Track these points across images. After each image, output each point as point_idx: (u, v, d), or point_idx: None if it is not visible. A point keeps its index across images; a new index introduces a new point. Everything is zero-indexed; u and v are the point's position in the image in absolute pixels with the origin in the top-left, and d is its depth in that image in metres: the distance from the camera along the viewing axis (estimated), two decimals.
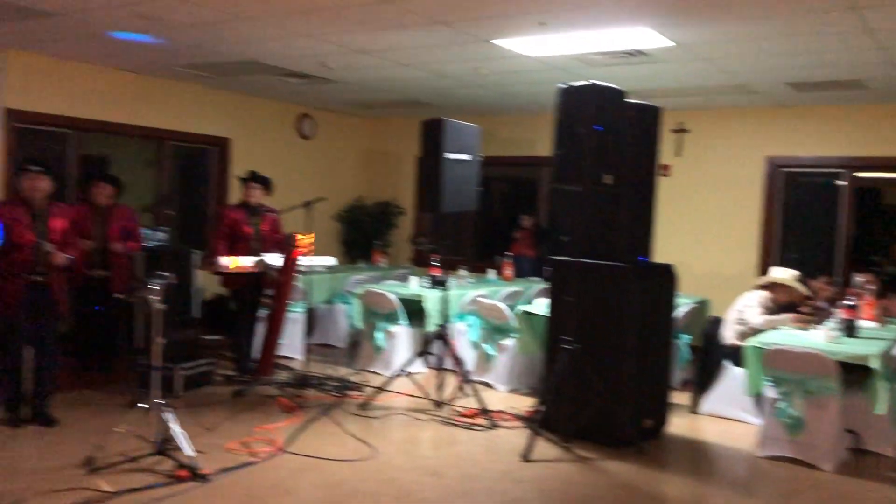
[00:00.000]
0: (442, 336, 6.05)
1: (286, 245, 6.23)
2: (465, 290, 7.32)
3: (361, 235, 10.78)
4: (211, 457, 4.67)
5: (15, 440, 4.89)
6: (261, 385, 6.37)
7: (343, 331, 8.35)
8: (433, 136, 5.73)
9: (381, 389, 6.15)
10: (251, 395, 6.19)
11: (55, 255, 4.96)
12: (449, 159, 5.66)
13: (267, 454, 4.85)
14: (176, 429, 4.56)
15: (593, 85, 5.07)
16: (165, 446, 4.53)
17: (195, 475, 4.35)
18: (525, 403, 6.20)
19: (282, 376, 6.72)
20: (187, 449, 4.49)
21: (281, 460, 4.78)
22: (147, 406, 4.69)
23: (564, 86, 5.15)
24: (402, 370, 6.32)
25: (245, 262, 6.41)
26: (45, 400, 5.21)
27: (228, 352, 7.17)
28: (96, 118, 8.03)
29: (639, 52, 6.02)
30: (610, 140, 5.04)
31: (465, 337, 7.13)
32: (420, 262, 10.21)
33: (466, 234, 10.54)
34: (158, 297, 4.58)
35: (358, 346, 7.65)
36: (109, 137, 8.63)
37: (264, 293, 6.76)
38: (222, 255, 6.52)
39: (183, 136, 8.95)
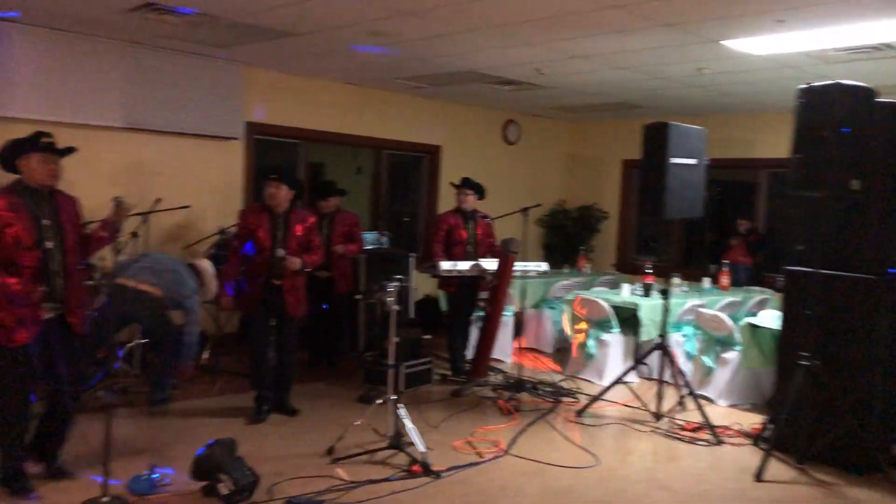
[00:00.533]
0: (662, 347, 5.89)
1: (506, 250, 6.32)
2: (682, 300, 7.08)
3: (563, 240, 10.75)
4: (439, 454, 4.84)
5: (260, 429, 5.30)
6: (476, 386, 6.52)
7: (550, 336, 8.36)
8: (656, 139, 5.59)
9: (597, 398, 6.09)
10: (468, 396, 6.36)
11: (289, 260, 5.28)
12: (674, 164, 5.50)
13: (492, 455, 4.96)
14: (409, 425, 4.77)
15: (838, 84, 4.72)
16: (399, 441, 4.75)
17: (428, 471, 4.52)
18: (749, 420, 5.90)
19: (495, 378, 6.85)
20: (420, 445, 4.69)
21: (505, 462, 4.87)
22: (382, 401, 4.95)
23: (805, 86, 4.84)
24: (620, 379, 6.21)
25: (462, 265, 6.59)
26: (286, 392, 5.62)
27: (441, 352, 7.39)
28: (322, 129, 8.60)
29: (887, 46, 5.54)
30: (858, 143, 4.68)
31: (681, 348, 6.91)
32: (626, 269, 10.03)
33: (675, 239, 10.20)
34: (393, 299, 4.81)
35: (565, 352, 7.63)
36: (327, 146, 9.21)
37: (479, 296, 6.92)
38: (440, 258, 6.74)
39: (398, 144, 9.38)
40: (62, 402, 4.03)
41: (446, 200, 9.47)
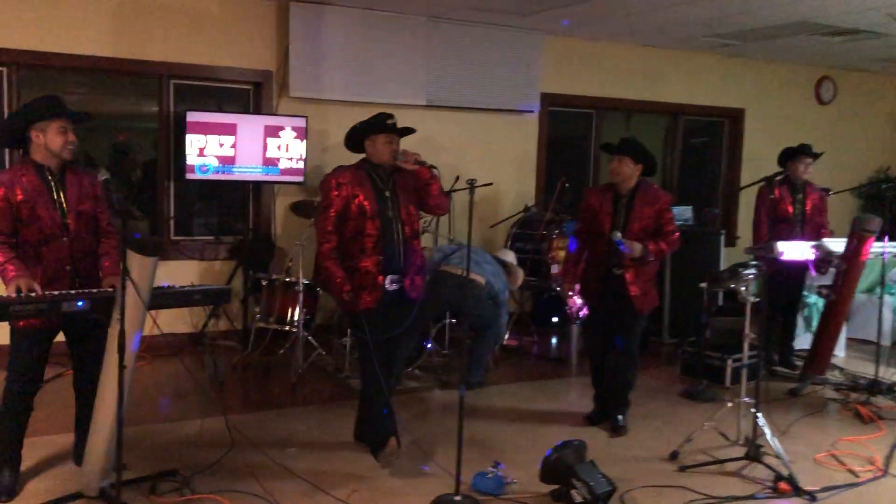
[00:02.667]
0: None
1: (860, 229, 5.38)
2: None
3: (887, 213, 9.26)
4: (800, 468, 4.15)
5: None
6: (813, 383, 5.69)
7: (888, 326, 7.17)
8: None
9: None
10: (803, 395, 5.56)
11: (627, 244, 4.58)
12: None
13: (869, 475, 4.18)
14: (768, 433, 4.13)
15: None
16: (757, 452, 4.13)
17: (798, 490, 3.87)
18: None
19: (833, 376, 5.95)
20: (786, 460, 4.04)
21: (888, 484, 4.08)
22: (732, 404, 4.36)
23: None
24: None
25: (800, 247, 5.73)
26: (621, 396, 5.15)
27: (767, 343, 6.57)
28: (615, 96, 8.04)
29: None
30: None
31: None
32: None
33: None
34: (752, 290, 4.18)
35: None
36: (613, 115, 8.61)
37: (804, 281, 6.04)
38: (764, 238, 5.94)
39: (697, 109, 8.57)
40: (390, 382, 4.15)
41: (750, 170, 8.55)
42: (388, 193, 3.99)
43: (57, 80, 6.08)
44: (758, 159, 8.26)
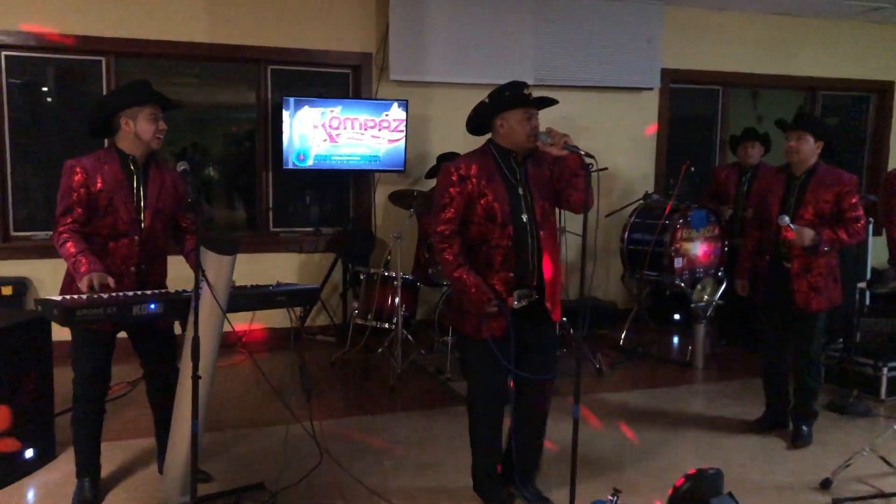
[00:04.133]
0: None
1: None
2: None
3: None
4: None
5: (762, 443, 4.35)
6: None
7: None
8: None
9: None
10: None
11: (795, 231, 3.89)
12: None
13: None
14: None
15: None
16: None
17: None
18: None
19: None
20: None
21: None
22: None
23: None
24: None
25: None
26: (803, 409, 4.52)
27: None
28: (744, 71, 7.29)
29: None
30: None
31: None
32: None
33: None
34: None
35: None
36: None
37: None
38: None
39: (837, 83, 7.68)
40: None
41: None
42: (520, 190, 3.13)
43: (154, 68, 5.95)
44: None
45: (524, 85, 3.16)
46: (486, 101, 3.19)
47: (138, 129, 3.18)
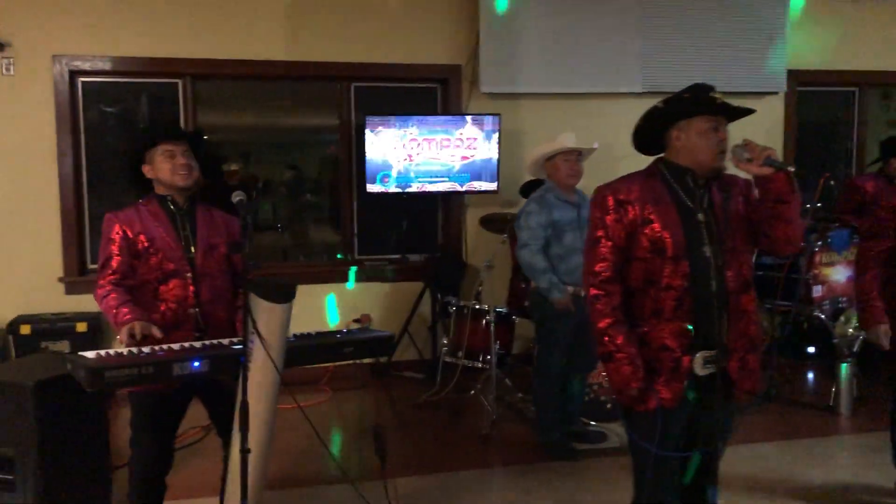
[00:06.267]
0: None
1: None
2: None
3: None
4: None
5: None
6: None
7: None
8: None
9: None
10: None
11: None
12: None
13: None
14: None
15: None
16: None
17: None
18: None
19: None
20: None
21: None
22: None
23: None
24: None
25: None
26: None
27: None
28: (880, 69, 6.41)
29: None
30: None
31: None
32: None
33: None
34: None
35: None
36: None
37: None
38: None
39: None
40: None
41: None
42: (701, 217, 2.42)
43: (235, 90, 5.65)
44: None
45: (710, 88, 2.44)
46: (660, 105, 2.47)
47: (157, 172, 2.86)
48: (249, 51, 5.38)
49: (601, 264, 2.42)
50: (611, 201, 2.43)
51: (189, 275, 2.80)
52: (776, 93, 6.05)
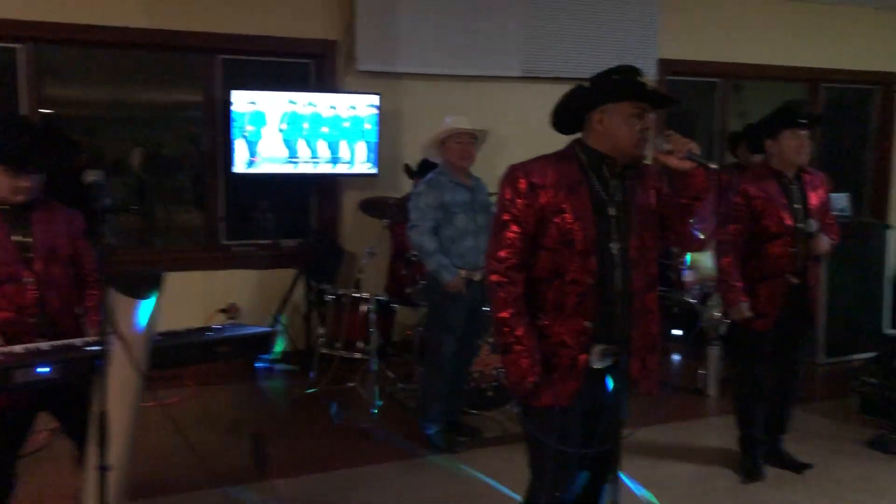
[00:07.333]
0: None
1: None
2: None
3: None
4: None
5: (755, 492, 3.68)
6: None
7: None
8: None
9: None
10: None
11: (819, 239, 3.57)
12: None
13: None
14: None
15: None
16: None
17: None
18: None
19: None
20: None
21: None
22: None
23: None
24: None
25: None
26: (782, 433, 3.92)
27: None
28: (744, 61, 6.68)
29: None
30: None
31: None
32: None
33: None
34: None
35: None
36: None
37: None
38: None
39: (839, 74, 7.10)
40: None
41: None
42: (612, 211, 2.31)
43: (83, 59, 5.13)
44: None
45: (638, 71, 2.31)
46: (586, 85, 2.35)
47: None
48: (103, 15, 4.89)
49: (507, 250, 2.28)
50: (523, 184, 2.27)
51: (30, 280, 2.48)
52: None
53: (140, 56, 5.30)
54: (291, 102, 5.12)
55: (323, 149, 5.23)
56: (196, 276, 5.34)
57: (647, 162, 2.38)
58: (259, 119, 5.07)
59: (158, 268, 2.31)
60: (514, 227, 2.27)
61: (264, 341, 2.73)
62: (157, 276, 2.18)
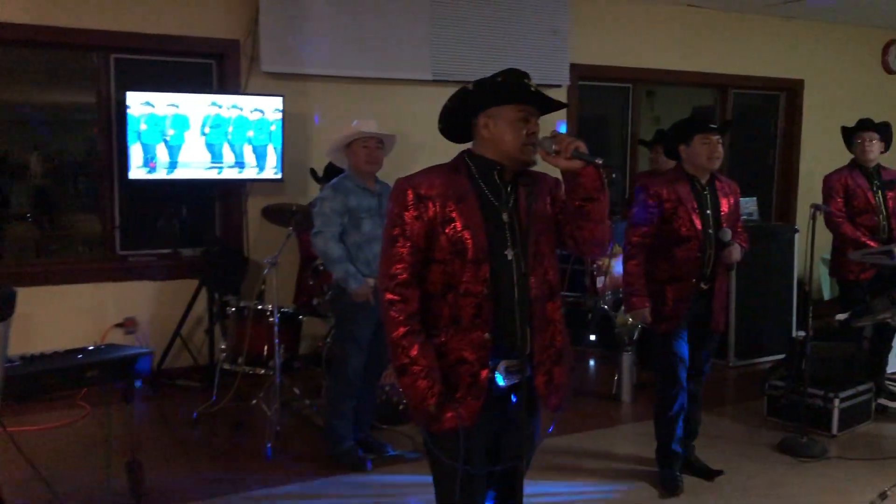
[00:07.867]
0: None
1: None
2: None
3: None
4: None
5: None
6: None
7: None
8: None
9: None
10: None
11: (732, 249, 3.56)
12: None
13: None
14: None
15: None
16: None
17: None
18: None
19: None
20: None
21: None
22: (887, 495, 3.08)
23: None
24: None
25: None
26: (693, 440, 3.90)
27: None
28: (655, 67, 6.75)
29: None
30: None
31: None
32: None
33: None
34: None
35: None
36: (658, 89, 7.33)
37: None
38: (852, 234, 4.74)
39: (748, 81, 7.24)
40: None
41: (811, 151, 7.34)
42: (506, 217, 2.21)
43: None
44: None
45: (524, 74, 2.18)
46: (470, 87, 2.20)
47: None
48: None
49: (398, 265, 2.14)
50: (410, 196, 2.14)
51: None
52: (560, 86, 6.12)
53: (25, 54, 4.95)
54: (190, 104, 4.87)
55: (224, 153, 4.99)
56: (90, 288, 5.04)
57: (536, 168, 2.27)
58: (156, 122, 4.80)
59: (4, 286, 2.04)
60: (405, 242, 2.14)
61: (140, 362, 2.50)
62: (7, 294, 1.95)
